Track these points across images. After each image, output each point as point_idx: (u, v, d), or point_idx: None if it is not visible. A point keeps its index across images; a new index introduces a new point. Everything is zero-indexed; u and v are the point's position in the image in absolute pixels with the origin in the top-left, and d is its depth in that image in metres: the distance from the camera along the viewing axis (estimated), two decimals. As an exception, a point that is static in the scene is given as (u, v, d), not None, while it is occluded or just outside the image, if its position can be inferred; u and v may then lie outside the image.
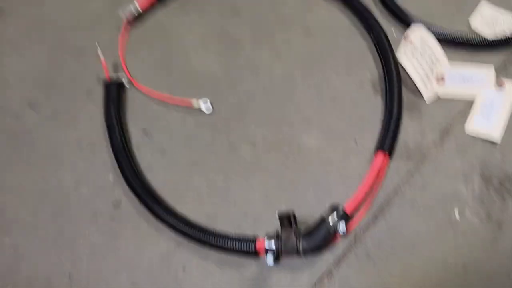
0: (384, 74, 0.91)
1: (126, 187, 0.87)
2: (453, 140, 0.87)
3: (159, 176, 0.89)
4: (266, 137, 0.91)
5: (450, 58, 0.93)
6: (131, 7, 1.04)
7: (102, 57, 0.96)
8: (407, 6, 1.01)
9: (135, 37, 1.05)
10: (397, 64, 0.90)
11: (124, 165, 0.87)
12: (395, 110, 0.86)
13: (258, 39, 1.02)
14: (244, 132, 0.92)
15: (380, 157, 0.83)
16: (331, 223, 0.76)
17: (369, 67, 0.95)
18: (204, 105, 0.93)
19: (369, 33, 0.97)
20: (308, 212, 0.81)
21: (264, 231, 0.80)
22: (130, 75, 0.99)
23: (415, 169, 0.85)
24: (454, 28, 0.97)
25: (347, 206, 0.79)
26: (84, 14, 1.10)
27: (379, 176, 0.82)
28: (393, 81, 0.89)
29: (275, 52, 1.00)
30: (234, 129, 0.92)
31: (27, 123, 0.97)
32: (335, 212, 0.77)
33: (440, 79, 0.90)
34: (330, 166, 0.87)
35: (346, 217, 0.77)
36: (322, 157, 0.88)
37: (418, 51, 0.92)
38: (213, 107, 0.94)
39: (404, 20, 0.97)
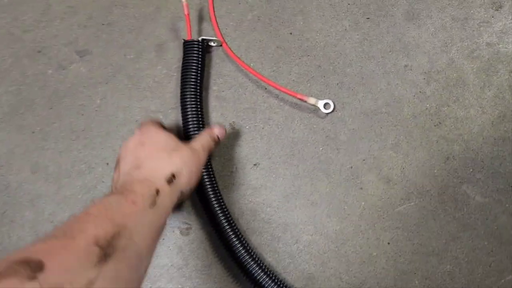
0: None
1: (198, 209, 0.62)
2: None
3: (243, 198, 0.64)
4: (410, 175, 0.62)
5: None
6: None
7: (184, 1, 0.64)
8: None
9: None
10: None
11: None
12: None
13: (416, 10, 0.67)
14: (376, 158, 0.63)
15: None
16: None
17: None
18: (324, 106, 0.63)
19: None
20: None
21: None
22: (222, 36, 0.68)
23: None
24: None
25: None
26: None
27: None
28: None
29: (441, 33, 0.66)
30: (361, 149, 0.63)
31: (73, 79, 0.70)
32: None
33: None
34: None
35: None
36: (488, 218, 0.59)
37: None
38: (335, 109, 0.64)
39: None
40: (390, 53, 0.66)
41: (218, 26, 0.69)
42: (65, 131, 0.68)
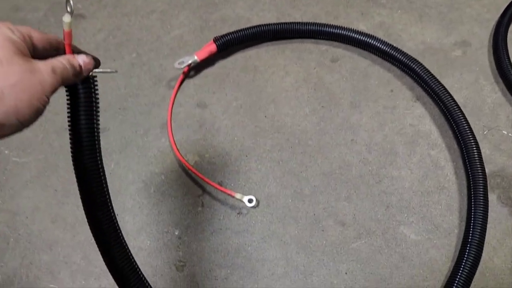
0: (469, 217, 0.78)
1: (192, 248, 0.76)
2: None
3: (229, 240, 0.78)
4: (360, 219, 0.79)
5: None
6: (189, 59, 0.91)
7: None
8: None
9: (222, 70, 0.96)
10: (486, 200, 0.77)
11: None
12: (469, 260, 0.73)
13: (358, 101, 0.91)
14: (333, 207, 0.80)
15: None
16: None
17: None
18: (248, 200, 0.79)
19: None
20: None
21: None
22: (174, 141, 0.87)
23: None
24: None
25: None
26: (168, 39, 1.01)
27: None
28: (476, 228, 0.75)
29: (377, 117, 0.89)
30: (321, 201, 0.81)
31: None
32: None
33: None
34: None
35: None
36: (421, 251, 0.76)
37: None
38: (258, 204, 0.81)
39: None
40: (340, 130, 0.88)
41: (172, 135, 0.90)
42: (83, 189, 0.84)
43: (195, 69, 0.95)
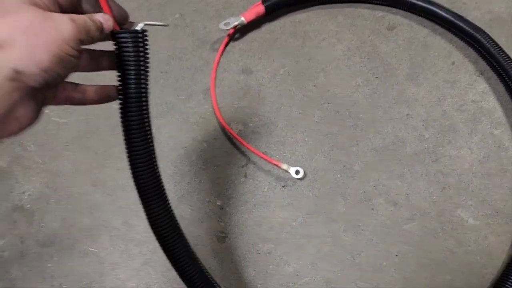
0: None
1: (234, 220, 0.73)
2: None
3: (273, 214, 0.75)
4: (413, 199, 0.74)
5: None
6: (235, 20, 0.86)
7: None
8: None
9: (269, 35, 0.90)
10: None
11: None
12: None
13: (415, 73, 0.84)
14: (385, 185, 0.76)
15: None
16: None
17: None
18: (295, 172, 0.75)
19: None
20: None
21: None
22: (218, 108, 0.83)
23: None
24: None
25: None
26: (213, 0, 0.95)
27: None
28: None
29: (435, 91, 0.82)
30: (372, 178, 0.76)
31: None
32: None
33: None
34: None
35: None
36: (479, 237, 0.71)
37: None
38: (306, 175, 0.77)
39: None
40: (395, 104, 0.82)
41: (217, 103, 0.86)
42: (124, 153, 0.81)
43: (241, 32, 0.90)
